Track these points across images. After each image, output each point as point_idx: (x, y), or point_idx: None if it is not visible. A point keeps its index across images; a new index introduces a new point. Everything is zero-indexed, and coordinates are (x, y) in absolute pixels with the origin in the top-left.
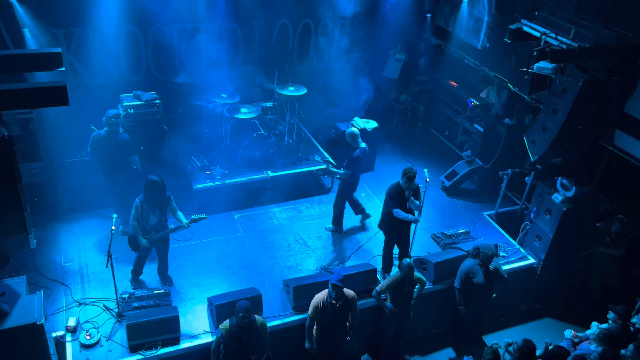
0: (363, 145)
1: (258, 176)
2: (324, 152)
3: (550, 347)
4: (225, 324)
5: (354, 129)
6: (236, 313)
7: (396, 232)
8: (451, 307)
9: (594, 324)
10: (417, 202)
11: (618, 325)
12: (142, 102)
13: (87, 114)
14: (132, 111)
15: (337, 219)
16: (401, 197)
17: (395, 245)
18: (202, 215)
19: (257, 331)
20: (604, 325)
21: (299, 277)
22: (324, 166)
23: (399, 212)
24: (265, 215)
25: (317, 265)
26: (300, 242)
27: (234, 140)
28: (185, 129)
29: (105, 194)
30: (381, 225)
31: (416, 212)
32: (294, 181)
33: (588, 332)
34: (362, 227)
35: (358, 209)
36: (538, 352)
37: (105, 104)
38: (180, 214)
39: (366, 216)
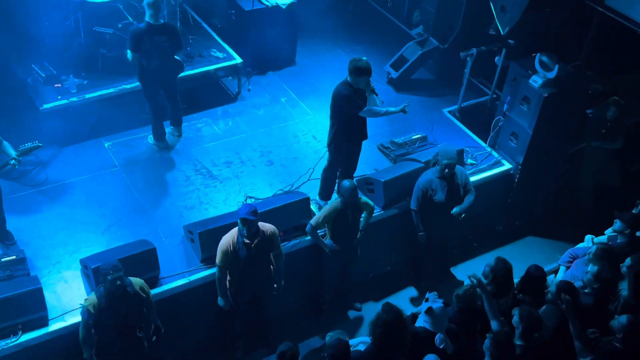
0: (154, 21)
1: (131, 85)
2: (222, 42)
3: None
4: (91, 297)
5: None
6: (103, 277)
7: (349, 150)
8: (409, 236)
9: (588, 237)
10: (379, 102)
11: (625, 236)
12: None
13: None
14: None
15: (157, 132)
16: (360, 96)
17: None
18: (35, 144)
19: (137, 297)
20: (601, 238)
21: (206, 219)
22: (225, 63)
23: (375, 109)
24: (147, 140)
25: (229, 200)
26: (203, 172)
27: (90, 35)
28: (15, 25)
29: None
30: (331, 144)
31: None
32: (186, 88)
33: (580, 246)
34: (291, 141)
35: (163, 116)
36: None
37: None
38: (6, 145)
39: (179, 130)
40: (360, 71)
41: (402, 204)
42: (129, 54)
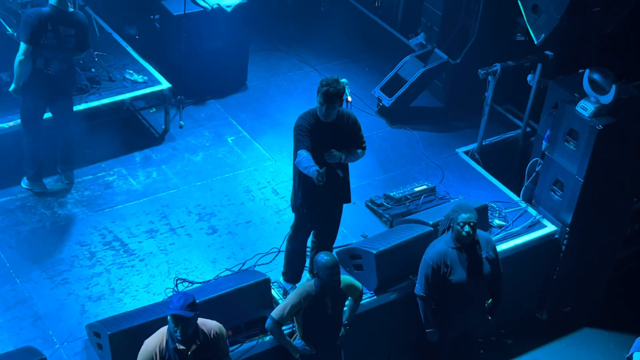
0: (63, 6)
1: (7, 125)
2: (141, 60)
3: None
4: None
5: None
6: None
7: (324, 210)
8: (414, 333)
9: None
10: (359, 151)
11: None
12: None
13: None
14: None
15: (33, 168)
16: (319, 133)
17: (312, 233)
18: None
19: None
20: None
21: (120, 314)
22: (146, 89)
23: (302, 157)
24: (34, 202)
25: (153, 286)
26: (115, 246)
27: None
28: None
29: None
30: (297, 203)
31: (339, 171)
32: (90, 125)
33: None
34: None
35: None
36: None
37: None
38: None
39: (68, 176)
40: (328, 96)
41: (404, 285)
42: (22, 47)
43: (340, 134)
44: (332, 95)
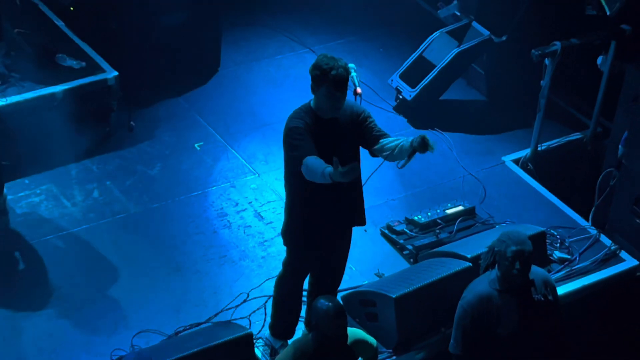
0: None
1: None
2: (77, 40)
3: None
4: None
5: None
6: None
7: (323, 242)
8: None
9: None
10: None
11: None
12: None
13: None
14: None
15: None
16: (320, 136)
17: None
18: None
19: None
20: None
21: None
22: (84, 79)
23: (309, 163)
24: None
25: (94, 344)
26: (57, 295)
27: None
28: None
29: None
30: (287, 231)
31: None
32: (8, 129)
33: None
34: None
35: None
36: None
37: None
38: None
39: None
40: (340, 82)
41: (433, 341)
42: None
43: (346, 135)
44: (344, 79)
